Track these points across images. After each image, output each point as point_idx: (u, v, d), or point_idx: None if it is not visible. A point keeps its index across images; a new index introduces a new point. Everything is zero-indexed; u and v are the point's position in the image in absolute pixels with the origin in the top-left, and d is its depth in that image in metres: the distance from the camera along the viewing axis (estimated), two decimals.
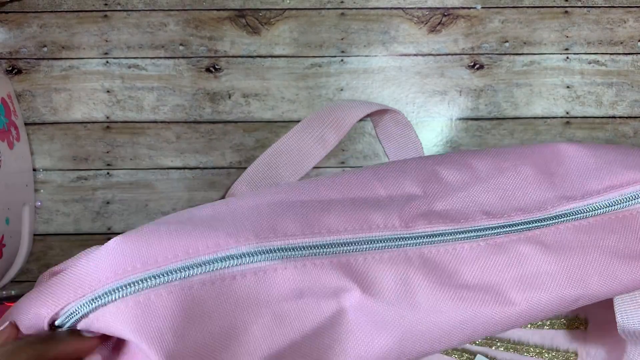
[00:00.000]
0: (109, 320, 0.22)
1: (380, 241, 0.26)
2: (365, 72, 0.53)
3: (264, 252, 0.23)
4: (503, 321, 0.26)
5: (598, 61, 0.53)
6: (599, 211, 0.29)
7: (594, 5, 0.53)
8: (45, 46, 0.52)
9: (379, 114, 0.42)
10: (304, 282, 0.23)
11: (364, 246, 0.26)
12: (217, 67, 0.52)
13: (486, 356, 0.39)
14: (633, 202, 0.29)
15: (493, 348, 0.39)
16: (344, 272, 0.24)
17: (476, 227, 0.28)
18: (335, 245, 0.25)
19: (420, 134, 0.53)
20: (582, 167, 0.31)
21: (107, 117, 0.52)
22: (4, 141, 0.47)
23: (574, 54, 0.53)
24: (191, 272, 0.22)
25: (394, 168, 0.30)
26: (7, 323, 0.24)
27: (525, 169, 0.31)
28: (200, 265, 0.22)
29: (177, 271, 0.22)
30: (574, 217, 0.29)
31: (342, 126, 0.40)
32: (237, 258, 0.23)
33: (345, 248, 0.25)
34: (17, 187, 0.49)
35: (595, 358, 0.38)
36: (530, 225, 0.29)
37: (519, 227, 0.29)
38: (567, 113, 0.53)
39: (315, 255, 0.24)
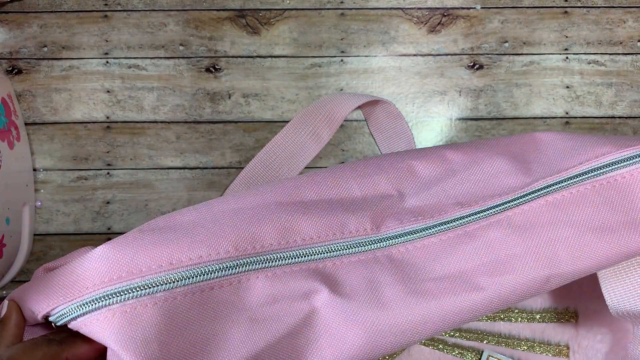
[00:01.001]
0: (95, 327, 0.23)
1: (351, 246, 0.27)
2: (365, 72, 0.53)
3: (241, 265, 0.25)
4: (473, 308, 0.27)
5: (597, 61, 0.53)
6: (571, 182, 0.29)
7: (594, 6, 0.53)
8: (45, 46, 0.52)
9: (371, 105, 0.43)
10: (277, 288, 0.25)
11: (335, 253, 0.27)
12: (217, 67, 0.52)
13: (478, 350, 0.39)
14: (606, 170, 0.29)
15: (484, 342, 0.39)
16: (314, 276, 0.26)
17: (447, 219, 0.29)
18: (307, 255, 0.26)
19: (420, 134, 0.53)
20: (557, 150, 0.30)
21: (107, 117, 0.52)
22: (4, 141, 0.47)
23: (574, 54, 0.53)
24: (174, 284, 0.23)
25: (371, 165, 0.31)
26: (8, 304, 0.25)
27: (501, 159, 0.31)
28: (183, 278, 0.23)
29: (161, 283, 0.23)
30: (546, 191, 0.29)
31: (335, 120, 0.40)
32: (217, 271, 0.24)
33: (317, 256, 0.27)
34: (17, 187, 0.49)
35: (587, 350, 0.38)
36: (500, 208, 0.29)
37: (489, 212, 0.29)
38: (567, 113, 0.53)
39: (288, 264, 0.26)
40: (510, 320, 0.39)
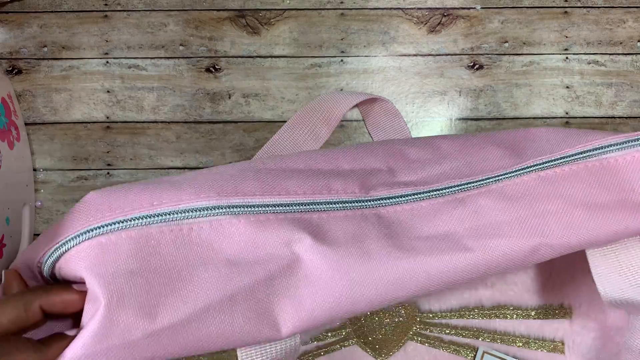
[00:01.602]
0: (74, 262, 0.24)
1: (337, 203, 0.27)
2: (365, 73, 0.53)
3: (222, 207, 0.25)
4: (459, 269, 0.26)
5: (597, 61, 0.53)
6: (564, 160, 0.29)
7: (594, 6, 0.53)
8: (45, 46, 0.52)
9: (368, 103, 0.43)
10: (258, 234, 0.25)
11: (321, 207, 0.27)
12: (217, 67, 0.52)
13: (473, 347, 0.39)
14: (598, 151, 0.29)
15: (480, 339, 0.39)
16: (298, 225, 0.26)
17: (437, 187, 0.29)
18: (292, 205, 0.26)
19: (420, 134, 0.53)
20: (551, 140, 0.31)
21: (107, 117, 0.52)
22: (4, 141, 0.47)
23: (574, 54, 0.53)
24: (152, 220, 0.24)
25: (361, 147, 0.32)
26: (4, 274, 0.26)
27: (493, 147, 0.31)
28: (161, 215, 0.24)
29: (139, 219, 0.24)
30: (538, 167, 0.29)
31: (333, 118, 0.40)
32: (197, 211, 0.25)
33: (301, 207, 0.27)
34: (17, 187, 0.49)
35: (581, 346, 0.38)
36: (492, 180, 0.29)
37: (480, 182, 0.29)
38: (567, 113, 0.53)
39: (271, 212, 0.26)
40: (506, 317, 0.39)
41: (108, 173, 0.53)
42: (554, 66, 0.53)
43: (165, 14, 0.52)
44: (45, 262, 0.25)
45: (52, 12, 0.52)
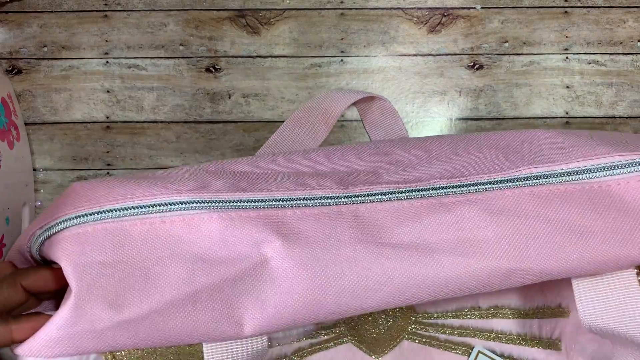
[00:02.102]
0: (52, 247, 0.25)
1: (313, 199, 0.27)
2: (365, 72, 0.53)
3: (194, 202, 0.25)
4: (427, 284, 0.26)
5: (598, 61, 0.53)
6: (561, 178, 0.27)
7: (594, 6, 0.53)
8: (45, 46, 0.52)
9: (366, 101, 0.42)
10: (229, 232, 0.25)
11: (295, 202, 0.27)
12: (217, 67, 0.52)
13: (469, 346, 0.39)
14: (599, 173, 0.27)
15: (476, 338, 0.39)
16: (269, 226, 0.26)
17: (422, 187, 0.27)
18: (264, 201, 0.26)
19: (420, 134, 0.53)
20: (551, 144, 0.29)
21: (107, 117, 0.52)
22: (4, 141, 0.47)
23: (574, 54, 0.53)
24: (125, 212, 0.25)
25: (346, 148, 0.31)
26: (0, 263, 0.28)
27: (488, 149, 0.29)
28: (135, 208, 0.25)
29: (113, 211, 0.25)
30: (533, 182, 0.27)
31: (331, 116, 0.40)
32: (169, 205, 0.25)
33: (275, 203, 0.26)
34: (17, 187, 0.49)
35: (577, 346, 0.38)
36: (481, 187, 0.27)
37: (468, 188, 0.27)
38: (567, 113, 0.53)
39: (242, 208, 0.26)
40: (503, 317, 0.39)
41: (108, 173, 0.53)
42: (554, 66, 0.53)
43: (165, 14, 0.52)
44: (32, 246, 0.26)
45: (52, 12, 0.52)
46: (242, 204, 0.26)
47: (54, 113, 0.52)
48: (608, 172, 0.27)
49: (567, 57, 0.53)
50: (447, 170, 0.28)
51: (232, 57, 0.52)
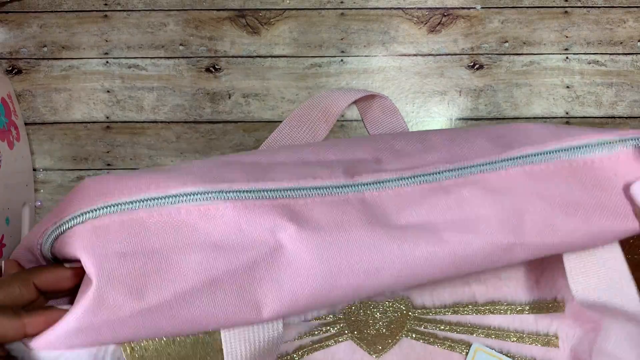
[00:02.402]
0: (69, 243, 0.25)
1: (322, 188, 0.28)
2: (365, 72, 0.53)
3: (207, 192, 0.26)
4: (434, 260, 0.27)
5: (598, 61, 0.53)
6: (549, 156, 0.29)
7: (594, 6, 0.53)
8: (45, 46, 0.52)
9: (366, 100, 0.43)
10: (243, 220, 0.26)
11: (306, 192, 0.28)
12: (217, 67, 0.52)
13: (468, 344, 0.39)
14: (584, 150, 0.29)
15: (474, 335, 0.40)
16: (282, 212, 0.27)
17: (423, 173, 0.29)
18: (277, 191, 0.27)
19: None
20: (541, 132, 0.31)
21: (107, 117, 0.52)
22: (4, 141, 0.47)
23: (574, 54, 0.53)
24: (141, 204, 0.25)
25: (349, 140, 0.32)
26: (4, 263, 0.28)
27: (482, 139, 0.31)
28: (151, 200, 0.26)
29: (129, 203, 0.25)
30: (524, 160, 0.29)
31: (331, 115, 0.40)
32: (185, 196, 0.26)
33: (286, 193, 0.28)
34: (17, 187, 0.49)
35: (574, 339, 0.38)
36: (478, 169, 0.29)
37: (466, 170, 0.29)
38: (567, 113, 0.53)
39: (256, 198, 0.27)
40: (500, 313, 0.39)
41: (108, 173, 0.53)
42: (554, 66, 0.53)
43: (165, 13, 0.52)
44: (45, 243, 0.26)
45: (52, 12, 0.52)
46: (255, 193, 0.27)
47: (54, 113, 0.52)
48: (592, 148, 0.29)
49: (567, 57, 0.53)
50: (445, 157, 0.30)
51: (232, 57, 0.52)
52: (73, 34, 0.52)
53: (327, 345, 0.39)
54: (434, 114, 0.53)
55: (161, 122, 0.53)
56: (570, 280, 0.30)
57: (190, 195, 0.26)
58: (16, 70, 0.52)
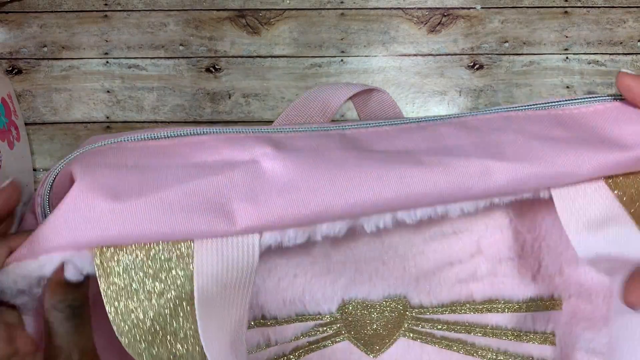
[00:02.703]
0: (66, 171, 0.27)
1: (303, 130, 0.31)
2: (365, 72, 0.53)
3: (188, 131, 0.28)
4: (412, 178, 0.28)
5: (598, 61, 0.53)
6: (531, 107, 0.31)
7: (594, 6, 0.53)
8: (45, 46, 0.52)
9: (364, 95, 0.43)
10: (224, 145, 0.28)
11: (290, 131, 0.30)
12: (217, 67, 0.52)
13: (465, 343, 0.39)
14: (566, 102, 0.31)
15: (472, 334, 0.40)
16: (263, 141, 0.29)
17: (403, 121, 0.31)
18: (262, 131, 0.30)
19: None
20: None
21: (107, 117, 0.52)
22: (4, 141, 0.47)
23: (574, 54, 0.53)
24: (131, 138, 0.28)
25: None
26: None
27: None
28: (140, 136, 0.28)
29: (115, 140, 0.28)
30: (502, 109, 0.31)
31: (329, 109, 0.40)
32: (168, 132, 0.29)
33: (272, 131, 0.30)
34: None
35: (571, 336, 0.39)
36: (458, 115, 0.32)
37: (445, 117, 0.31)
38: None
39: (237, 132, 0.29)
40: (497, 311, 0.39)
41: None
42: (554, 66, 0.53)
43: (165, 14, 0.52)
44: (45, 188, 0.28)
45: (52, 12, 0.52)
46: (236, 130, 0.29)
47: (54, 113, 0.52)
48: (572, 101, 0.31)
49: (567, 57, 0.53)
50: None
51: (232, 57, 0.52)
52: (73, 34, 0.52)
53: (324, 346, 0.39)
54: (434, 114, 0.53)
55: (161, 122, 0.53)
56: (563, 218, 0.30)
57: (174, 132, 0.29)
58: (16, 70, 0.52)
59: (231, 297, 0.28)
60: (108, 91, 0.52)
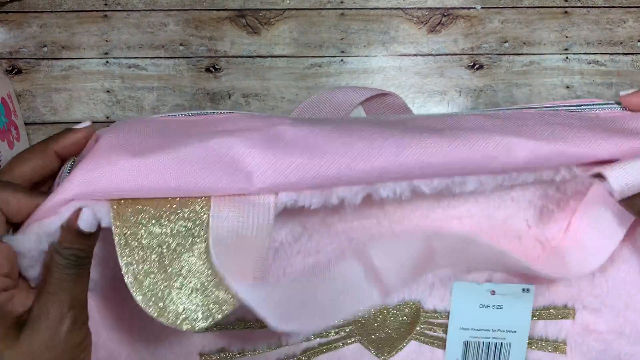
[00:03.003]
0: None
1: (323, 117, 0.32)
2: (365, 72, 0.53)
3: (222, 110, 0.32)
4: (430, 146, 0.27)
5: (598, 61, 0.53)
6: (553, 108, 0.32)
7: (594, 6, 0.53)
8: (45, 46, 0.52)
9: (377, 99, 0.42)
10: (245, 117, 0.30)
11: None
12: (217, 67, 0.52)
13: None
14: (584, 107, 0.31)
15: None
16: (282, 118, 0.30)
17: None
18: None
19: None
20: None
21: (107, 117, 0.52)
22: (4, 141, 0.47)
23: (574, 54, 0.53)
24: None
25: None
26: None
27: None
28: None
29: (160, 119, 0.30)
30: (521, 108, 0.32)
31: (341, 113, 0.40)
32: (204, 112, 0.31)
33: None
34: None
35: (582, 347, 0.38)
36: (478, 113, 0.32)
37: (467, 114, 0.31)
38: None
39: (258, 114, 0.31)
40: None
41: None
42: (554, 66, 0.53)
43: (165, 13, 0.52)
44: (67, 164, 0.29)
45: (52, 12, 0.52)
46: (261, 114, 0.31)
47: (54, 113, 0.52)
48: (593, 106, 0.31)
49: (567, 57, 0.53)
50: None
51: (232, 57, 0.52)
52: (73, 34, 0.52)
53: (335, 348, 0.39)
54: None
55: None
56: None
57: (198, 111, 0.30)
58: (16, 70, 0.52)
59: (246, 251, 0.27)
60: (108, 91, 0.52)
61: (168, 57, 0.52)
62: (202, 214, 0.27)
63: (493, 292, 0.38)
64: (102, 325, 0.33)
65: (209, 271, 0.27)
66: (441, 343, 0.39)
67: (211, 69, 0.52)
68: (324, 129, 0.28)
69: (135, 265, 0.26)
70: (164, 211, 0.27)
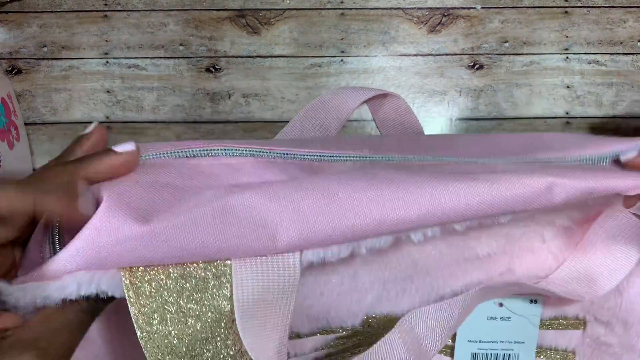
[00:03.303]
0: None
1: (343, 157, 0.30)
2: (365, 72, 0.53)
3: (234, 149, 0.28)
4: (460, 192, 0.27)
5: (598, 61, 0.53)
6: (573, 163, 0.31)
7: (594, 6, 0.53)
8: (45, 46, 0.52)
9: (379, 99, 0.42)
10: (262, 168, 0.27)
11: (325, 157, 0.29)
12: (217, 67, 0.52)
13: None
14: (604, 160, 0.31)
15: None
16: (299, 165, 0.28)
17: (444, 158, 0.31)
18: (298, 155, 0.29)
19: None
20: (561, 140, 0.32)
21: (107, 117, 0.52)
22: (4, 141, 0.47)
23: (574, 54, 0.53)
24: (170, 154, 0.27)
25: (372, 136, 0.34)
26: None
27: (505, 144, 0.33)
28: (179, 152, 0.27)
29: (157, 154, 0.27)
30: (546, 164, 0.31)
31: (343, 113, 0.40)
32: (214, 150, 0.27)
33: (313, 157, 0.29)
34: None
35: (591, 359, 0.38)
36: (498, 160, 0.31)
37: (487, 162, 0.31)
38: (567, 113, 0.53)
39: (278, 156, 0.28)
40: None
41: None
42: (555, 66, 0.53)
43: (165, 13, 0.52)
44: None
45: (52, 12, 0.52)
46: (276, 154, 0.28)
47: (54, 113, 0.52)
48: (610, 157, 0.31)
49: (567, 57, 0.53)
50: (469, 154, 0.31)
51: (232, 57, 0.52)
52: (73, 34, 0.52)
53: (343, 358, 0.39)
54: (434, 114, 0.53)
55: (161, 122, 0.53)
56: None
57: (216, 150, 0.27)
58: (16, 70, 0.52)
59: (272, 315, 0.26)
60: (108, 91, 0.52)
61: (168, 57, 0.52)
62: (224, 281, 0.25)
63: (500, 305, 0.37)
64: (104, 350, 0.32)
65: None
66: (450, 351, 0.39)
67: (211, 69, 0.52)
68: (350, 176, 0.26)
69: (157, 349, 0.24)
70: (182, 279, 0.25)
